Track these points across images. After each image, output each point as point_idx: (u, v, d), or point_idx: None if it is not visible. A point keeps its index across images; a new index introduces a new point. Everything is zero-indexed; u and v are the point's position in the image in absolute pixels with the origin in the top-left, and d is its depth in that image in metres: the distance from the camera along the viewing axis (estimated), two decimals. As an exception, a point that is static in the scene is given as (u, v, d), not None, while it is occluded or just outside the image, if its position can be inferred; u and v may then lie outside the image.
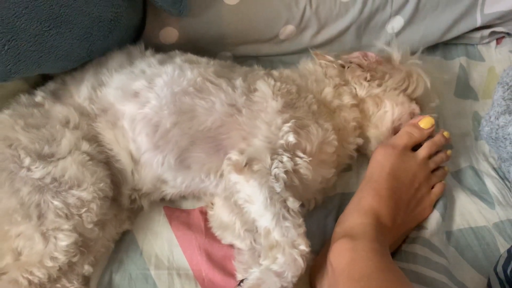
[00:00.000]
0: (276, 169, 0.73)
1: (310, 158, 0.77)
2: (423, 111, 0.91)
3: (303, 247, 0.68)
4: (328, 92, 0.88)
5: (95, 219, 0.72)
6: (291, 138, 0.76)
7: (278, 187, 0.71)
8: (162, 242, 0.81)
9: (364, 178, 0.82)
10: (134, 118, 0.78)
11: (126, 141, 0.79)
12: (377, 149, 0.83)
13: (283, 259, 0.67)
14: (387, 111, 0.88)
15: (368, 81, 0.88)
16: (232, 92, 0.81)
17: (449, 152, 0.88)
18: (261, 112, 0.80)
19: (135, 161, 0.79)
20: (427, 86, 0.89)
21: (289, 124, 0.77)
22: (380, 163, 0.81)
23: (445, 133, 0.87)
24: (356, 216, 0.74)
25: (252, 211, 0.72)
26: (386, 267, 0.65)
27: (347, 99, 0.88)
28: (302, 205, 0.75)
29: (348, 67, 0.90)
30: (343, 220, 0.76)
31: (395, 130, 0.88)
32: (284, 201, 0.71)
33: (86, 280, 0.75)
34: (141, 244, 0.81)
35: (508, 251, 0.77)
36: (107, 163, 0.79)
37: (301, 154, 0.76)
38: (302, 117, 0.80)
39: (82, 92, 0.81)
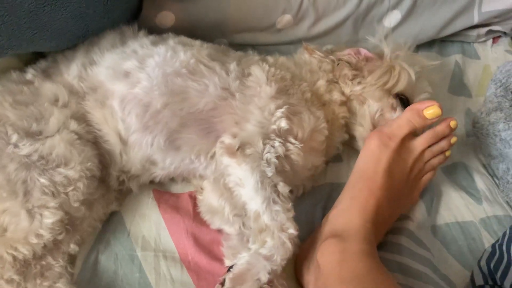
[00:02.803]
0: (268, 154, 0.73)
1: (302, 145, 0.77)
2: (411, 102, 0.89)
3: (292, 230, 0.69)
4: (321, 85, 0.89)
5: (81, 198, 0.72)
6: (284, 123, 0.76)
7: (269, 171, 0.72)
8: (150, 224, 0.81)
9: (356, 168, 0.79)
10: (124, 98, 0.78)
11: (115, 121, 0.78)
12: (372, 137, 0.79)
13: (272, 242, 0.68)
14: (367, 111, 0.89)
15: (351, 80, 0.89)
16: (226, 75, 0.81)
17: (453, 139, 0.82)
18: (255, 97, 0.80)
19: (123, 141, 0.79)
20: (411, 78, 0.87)
21: (282, 110, 0.77)
22: (376, 156, 0.77)
23: (452, 123, 0.80)
24: (348, 216, 0.72)
25: (242, 194, 0.73)
26: (376, 269, 0.65)
27: (336, 96, 0.89)
28: (290, 191, 0.76)
29: (338, 64, 0.91)
30: (333, 218, 0.74)
31: (375, 126, 0.88)
32: (275, 185, 0.72)
33: (72, 258, 0.75)
34: (129, 225, 0.81)
35: (493, 246, 0.78)
36: (95, 143, 0.78)
37: (292, 140, 0.77)
38: (295, 104, 0.81)
39: (72, 70, 0.81)
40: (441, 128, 0.80)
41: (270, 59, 0.92)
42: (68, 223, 0.72)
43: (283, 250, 0.67)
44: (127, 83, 0.78)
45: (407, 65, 0.87)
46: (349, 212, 0.73)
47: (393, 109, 0.88)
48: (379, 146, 0.77)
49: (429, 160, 0.82)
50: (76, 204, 0.72)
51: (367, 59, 0.91)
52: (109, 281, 0.74)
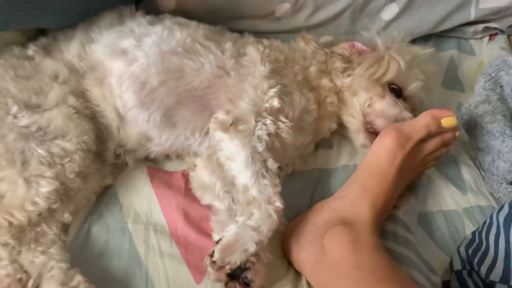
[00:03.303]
0: (259, 130, 0.77)
1: (292, 124, 0.80)
2: (404, 92, 0.92)
3: (279, 204, 0.71)
4: (312, 71, 0.91)
5: (77, 170, 0.74)
6: (276, 102, 0.79)
7: (260, 147, 0.75)
8: (142, 199, 0.83)
9: (368, 161, 0.80)
10: (122, 75, 0.80)
11: (113, 98, 0.81)
12: (390, 135, 0.79)
13: (259, 214, 0.70)
14: (356, 102, 0.90)
15: (342, 72, 0.91)
16: (221, 54, 0.84)
17: (458, 133, 0.85)
18: (249, 75, 0.83)
19: (121, 117, 0.82)
20: (401, 67, 0.88)
21: (274, 90, 0.80)
22: (392, 155, 0.78)
23: (457, 134, 0.85)
24: (358, 208, 0.74)
25: (233, 168, 0.75)
26: (391, 263, 0.68)
27: (325, 82, 0.91)
28: (279, 168, 0.79)
29: (330, 57, 0.93)
30: (342, 208, 0.75)
31: (365, 116, 0.90)
32: (265, 161, 0.75)
33: (65, 227, 0.78)
34: (122, 199, 0.83)
35: (473, 233, 0.80)
36: (92, 118, 0.81)
37: (283, 119, 0.80)
38: (287, 85, 0.84)
39: (71, 49, 0.83)
40: (448, 136, 0.83)
41: (265, 41, 0.94)
42: (63, 194, 0.74)
43: (269, 222, 0.70)
44: (124, 60, 0.81)
45: (397, 54, 0.89)
46: (360, 204, 0.75)
47: (382, 97, 0.90)
48: (396, 146, 0.78)
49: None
50: (71, 176, 0.74)
51: (360, 53, 0.93)
52: (100, 250, 0.77)
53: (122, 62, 0.81)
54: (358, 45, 0.94)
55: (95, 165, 0.82)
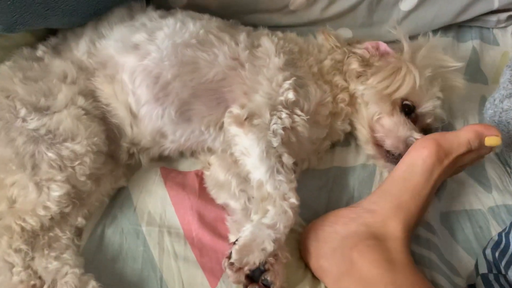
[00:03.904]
0: (274, 125, 0.75)
1: (308, 117, 0.78)
2: (418, 109, 0.87)
3: (294, 200, 0.70)
4: (326, 64, 0.89)
5: (87, 172, 0.73)
6: (291, 95, 0.78)
7: (275, 142, 0.74)
8: (156, 200, 0.82)
9: (400, 174, 0.75)
10: (134, 70, 0.79)
11: (125, 95, 0.79)
12: (428, 149, 0.74)
13: (274, 210, 0.69)
14: (365, 112, 0.87)
15: (357, 77, 0.87)
16: (235, 46, 0.82)
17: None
18: (263, 67, 0.81)
19: (133, 114, 0.80)
20: (416, 83, 0.83)
21: (289, 82, 0.79)
22: (429, 171, 0.74)
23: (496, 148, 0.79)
24: (392, 225, 0.71)
25: (247, 163, 0.74)
26: (425, 281, 0.66)
27: (338, 80, 0.88)
28: (295, 164, 0.77)
29: (348, 57, 0.89)
30: (373, 223, 0.72)
31: (372, 129, 0.86)
32: (280, 156, 0.73)
33: (79, 231, 0.77)
34: (135, 201, 0.82)
35: (499, 234, 0.76)
36: (102, 119, 0.80)
37: (299, 112, 0.78)
38: (302, 77, 0.82)
39: (81, 46, 0.82)
40: (485, 151, 0.79)
41: (280, 33, 0.92)
42: (75, 197, 0.73)
43: (285, 218, 0.68)
44: (136, 55, 0.79)
45: (417, 67, 0.83)
46: (394, 223, 0.71)
47: (391, 114, 0.85)
48: (434, 162, 0.74)
49: None
50: (82, 178, 0.73)
51: (382, 55, 0.89)
52: (114, 254, 0.75)
53: (134, 57, 0.79)
54: (383, 46, 0.89)
55: (107, 166, 0.81)
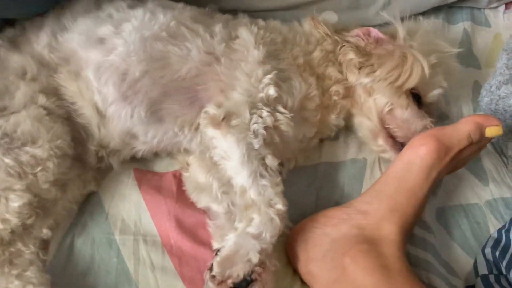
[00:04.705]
0: (255, 124, 0.70)
1: (292, 114, 0.73)
2: (425, 98, 0.82)
3: (280, 206, 0.65)
4: (316, 56, 0.82)
5: (51, 179, 0.67)
6: (272, 91, 0.72)
7: (256, 143, 0.68)
8: (130, 206, 0.76)
9: (396, 173, 0.70)
10: (100, 66, 0.72)
11: (90, 93, 0.73)
12: (428, 144, 0.69)
13: (259, 219, 0.64)
14: (373, 104, 0.81)
15: (359, 68, 0.81)
16: (210, 38, 0.76)
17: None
18: (241, 61, 0.75)
19: (100, 114, 0.74)
20: (425, 72, 0.78)
21: (270, 76, 0.73)
22: (427, 170, 0.69)
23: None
24: (386, 228, 0.67)
25: (228, 168, 0.69)
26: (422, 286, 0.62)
27: (332, 72, 0.82)
28: (281, 164, 0.73)
29: (342, 46, 0.83)
30: (366, 225, 0.68)
31: (383, 121, 0.81)
32: (263, 158, 0.68)
33: (45, 244, 0.70)
34: (107, 207, 0.76)
35: (499, 231, 0.72)
36: (67, 119, 0.73)
37: (282, 109, 0.73)
38: (285, 69, 0.76)
39: (41, 38, 0.75)
40: (485, 142, 0.75)
41: (261, 22, 0.86)
42: (38, 206, 0.67)
43: (271, 227, 0.64)
44: (102, 50, 0.73)
45: (422, 55, 0.78)
46: (389, 226, 0.67)
47: (405, 107, 0.80)
48: (434, 160, 0.69)
49: None
50: (45, 186, 0.66)
51: (377, 41, 0.83)
52: (85, 267, 0.70)
53: (99, 52, 0.73)
54: (374, 32, 0.83)
55: (74, 171, 0.74)
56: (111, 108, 0.73)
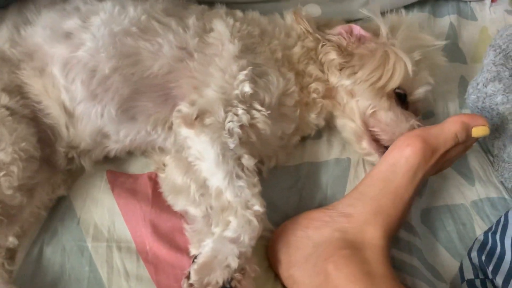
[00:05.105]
0: (230, 123, 0.67)
1: (269, 112, 0.70)
2: (410, 97, 0.80)
3: (258, 207, 0.63)
4: (296, 52, 0.79)
5: (16, 184, 0.63)
6: (247, 88, 0.69)
7: (231, 143, 0.66)
8: (103, 210, 0.73)
9: (380, 175, 0.68)
10: (67, 62, 0.68)
11: (57, 91, 0.69)
12: (413, 145, 0.67)
13: (236, 221, 0.62)
14: (355, 106, 0.78)
15: (340, 69, 0.78)
16: (183, 32, 0.73)
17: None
18: (216, 56, 0.72)
19: (69, 113, 0.70)
20: (408, 70, 0.75)
21: (245, 72, 0.70)
22: (413, 170, 0.66)
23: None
24: (370, 232, 0.64)
25: (203, 169, 0.67)
26: None
27: (313, 70, 0.79)
28: (261, 162, 0.70)
29: (323, 45, 0.79)
30: (349, 228, 0.65)
31: (366, 123, 0.78)
32: (239, 158, 0.66)
33: (11, 253, 0.67)
34: (79, 212, 0.73)
35: (485, 234, 0.71)
36: (33, 119, 0.69)
37: (258, 107, 0.70)
38: (262, 64, 0.73)
39: (2, 33, 0.70)
40: (472, 141, 0.72)
41: (239, 13, 0.82)
42: (2, 213, 0.63)
43: (249, 229, 0.62)
44: (68, 45, 0.69)
45: (405, 52, 0.75)
46: (372, 229, 0.65)
47: (388, 109, 0.77)
48: (419, 162, 0.66)
49: None
50: (9, 192, 0.63)
51: (359, 39, 0.80)
52: (55, 276, 0.67)
53: (65, 47, 0.69)
54: (356, 29, 0.79)
55: (42, 174, 0.71)
56: (80, 107, 0.70)
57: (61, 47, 0.69)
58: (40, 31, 0.70)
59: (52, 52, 0.69)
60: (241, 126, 0.67)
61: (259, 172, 0.73)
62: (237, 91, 0.69)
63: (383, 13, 0.83)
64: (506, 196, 0.79)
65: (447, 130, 0.68)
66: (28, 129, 0.66)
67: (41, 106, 0.70)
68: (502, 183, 0.81)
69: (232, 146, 0.65)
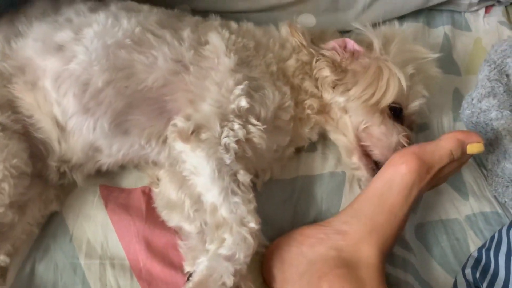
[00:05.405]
0: (226, 138, 0.66)
1: (265, 126, 0.69)
2: (406, 110, 0.79)
3: (253, 224, 0.62)
4: (290, 65, 0.78)
5: (7, 201, 0.62)
6: (243, 102, 0.68)
7: (227, 158, 0.65)
8: (96, 226, 0.72)
9: (375, 192, 0.68)
10: (58, 76, 0.67)
11: (48, 105, 0.68)
12: (409, 162, 0.66)
13: (232, 239, 0.61)
14: (349, 121, 0.78)
15: (333, 87, 0.78)
16: (178, 45, 0.72)
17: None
18: (212, 70, 0.71)
19: (61, 127, 0.69)
20: (402, 86, 0.75)
21: (241, 87, 0.69)
22: (408, 188, 0.66)
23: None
24: (365, 250, 0.64)
25: (198, 184, 0.66)
26: None
27: (308, 87, 0.78)
28: (256, 176, 0.70)
29: (318, 60, 0.79)
30: (343, 246, 0.65)
31: (359, 139, 0.78)
32: (234, 174, 0.65)
33: (2, 271, 0.66)
34: (71, 228, 0.72)
35: (479, 250, 0.71)
36: (24, 134, 0.68)
37: (254, 121, 0.69)
38: (258, 78, 0.73)
39: None
40: (467, 158, 0.72)
41: (234, 25, 0.81)
42: (-7, 232, 0.62)
43: (245, 247, 0.61)
44: (60, 58, 0.68)
45: (398, 68, 0.75)
46: (367, 248, 0.64)
47: (380, 124, 0.76)
48: (414, 179, 0.66)
49: None
50: (1, 210, 0.62)
51: (353, 54, 0.79)
52: None
53: (57, 60, 0.68)
54: (350, 43, 0.78)
55: (34, 190, 0.70)
56: (72, 121, 0.68)
57: (53, 60, 0.68)
58: (31, 44, 0.68)
59: (44, 65, 0.68)
60: (237, 141, 0.67)
61: (253, 185, 0.72)
62: (233, 106, 0.68)
63: (377, 24, 0.83)
64: (499, 211, 0.79)
65: (442, 147, 0.68)
66: (20, 144, 0.65)
67: (32, 120, 0.69)
68: (495, 197, 0.81)
69: (228, 161, 0.65)
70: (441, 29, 1.06)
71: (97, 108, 0.68)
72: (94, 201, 0.74)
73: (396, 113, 0.78)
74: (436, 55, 0.81)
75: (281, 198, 0.78)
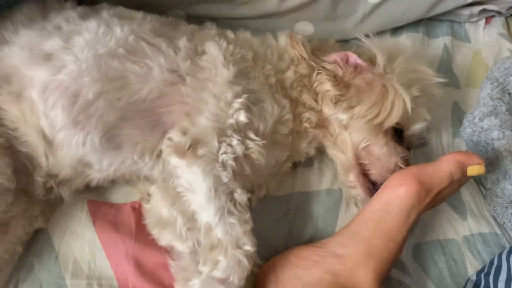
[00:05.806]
0: (224, 155, 0.63)
1: (264, 141, 0.67)
2: (406, 132, 0.78)
3: (249, 247, 0.60)
4: (289, 77, 0.76)
5: None
6: (243, 117, 0.66)
7: (225, 176, 0.62)
8: (83, 244, 0.69)
9: (372, 214, 0.65)
10: (46, 86, 0.64)
11: (35, 117, 0.65)
12: (408, 184, 0.65)
13: (226, 261, 0.59)
14: (348, 138, 0.76)
15: (335, 102, 0.76)
16: (174, 54, 0.69)
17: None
18: (209, 81, 0.69)
19: (48, 141, 0.66)
20: (407, 108, 0.73)
21: (240, 100, 0.66)
22: (407, 211, 0.64)
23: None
24: (362, 277, 0.62)
25: (192, 201, 0.63)
26: None
27: (307, 100, 0.76)
28: (251, 192, 0.68)
29: (318, 73, 0.76)
30: (340, 270, 0.63)
31: (358, 157, 0.76)
32: (231, 193, 0.62)
33: (-17, 292, 0.63)
34: (57, 246, 0.69)
35: (478, 275, 0.69)
36: (8, 148, 0.65)
37: (253, 136, 0.67)
38: (257, 90, 0.70)
39: None
40: (466, 179, 0.70)
41: (231, 34, 0.79)
42: (-25, 252, 0.59)
43: (239, 270, 0.59)
44: (49, 67, 0.65)
45: (404, 88, 0.73)
46: (364, 273, 0.62)
47: (382, 146, 0.74)
48: (414, 203, 0.64)
49: None
50: None
51: (356, 68, 0.77)
52: None
53: (45, 70, 0.64)
54: (353, 57, 0.76)
55: (18, 206, 0.67)
56: (60, 135, 0.65)
57: (40, 69, 0.64)
58: (17, 52, 0.65)
59: (31, 75, 0.64)
60: (235, 158, 0.64)
61: (249, 201, 0.70)
62: (232, 120, 0.65)
63: (382, 32, 0.81)
64: (498, 231, 0.78)
65: (442, 169, 0.66)
66: (3, 159, 0.62)
67: (17, 133, 0.65)
68: (494, 217, 0.80)
69: (225, 180, 0.62)
70: (441, 40, 1.04)
71: (87, 122, 0.65)
72: (81, 217, 0.71)
73: (396, 133, 0.76)
74: (441, 79, 0.79)
75: (276, 215, 0.76)
